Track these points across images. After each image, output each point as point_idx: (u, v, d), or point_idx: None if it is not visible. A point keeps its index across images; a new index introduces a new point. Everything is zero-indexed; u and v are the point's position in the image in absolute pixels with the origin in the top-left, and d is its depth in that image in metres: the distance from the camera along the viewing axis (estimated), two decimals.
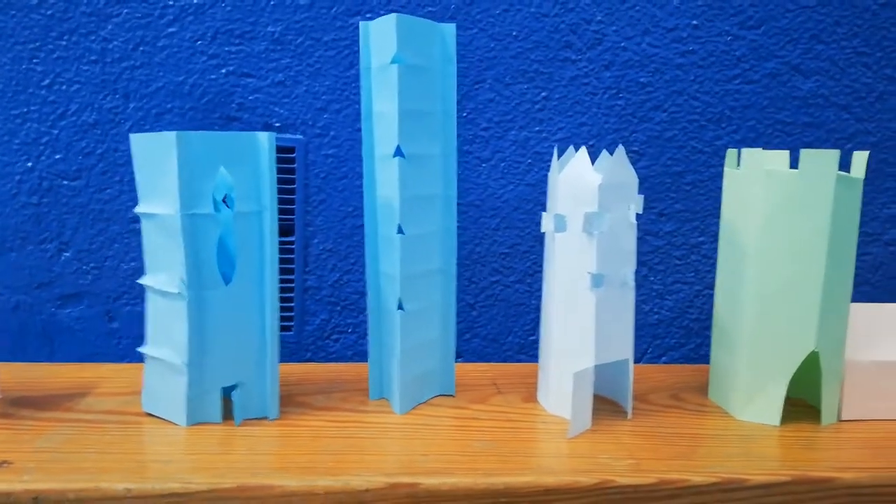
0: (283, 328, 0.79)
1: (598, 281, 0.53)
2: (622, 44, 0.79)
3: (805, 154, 0.53)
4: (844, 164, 0.73)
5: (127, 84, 0.76)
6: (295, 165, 0.77)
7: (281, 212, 0.77)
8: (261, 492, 0.44)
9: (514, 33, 0.78)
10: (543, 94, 0.79)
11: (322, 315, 0.81)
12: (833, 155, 0.53)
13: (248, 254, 0.52)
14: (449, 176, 0.57)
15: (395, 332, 0.55)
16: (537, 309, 0.82)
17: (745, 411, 0.57)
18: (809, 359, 0.56)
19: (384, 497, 0.44)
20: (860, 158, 0.56)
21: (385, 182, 0.54)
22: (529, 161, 0.81)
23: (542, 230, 0.55)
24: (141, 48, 0.75)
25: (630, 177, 0.53)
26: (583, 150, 0.53)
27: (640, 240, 0.83)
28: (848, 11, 0.80)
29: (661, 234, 0.83)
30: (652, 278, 0.84)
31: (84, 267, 0.77)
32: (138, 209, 0.53)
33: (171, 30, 0.75)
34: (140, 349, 0.55)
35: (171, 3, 0.75)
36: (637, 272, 0.87)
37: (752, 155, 0.56)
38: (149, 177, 0.51)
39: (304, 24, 0.76)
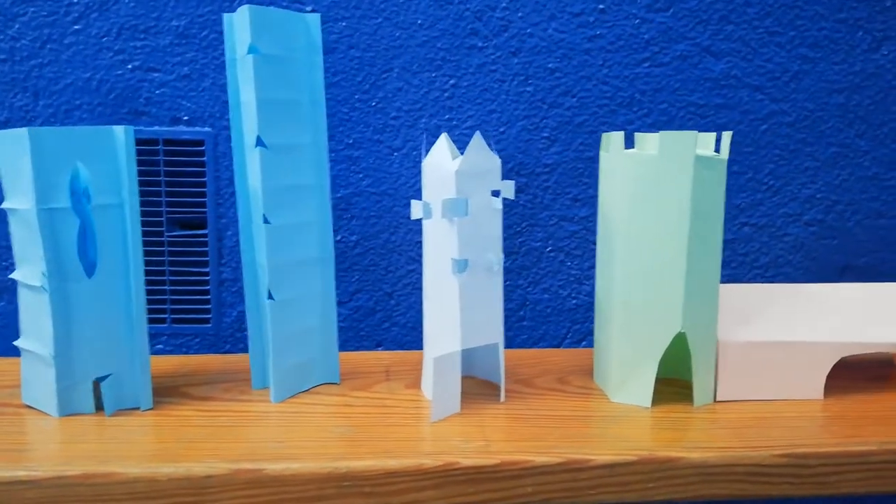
0: (200, 321, 0.80)
1: (460, 266, 0.53)
2: (528, 30, 0.79)
3: (663, 136, 0.53)
4: (746, 144, 0.70)
5: (36, 82, 0.77)
6: (205, 158, 0.78)
7: (192, 205, 0.78)
8: (104, 479, 0.45)
9: (420, 21, 0.78)
10: (452, 81, 0.79)
11: (239, 307, 0.82)
12: (691, 136, 0.53)
13: (111, 246, 0.52)
14: (320, 165, 0.57)
15: (266, 322, 0.55)
16: None
17: (619, 393, 0.58)
18: (684, 340, 0.56)
19: (227, 483, 0.45)
20: (711, 138, 0.56)
21: (252, 172, 0.55)
22: None
23: (412, 218, 0.56)
24: (48, 46, 0.76)
25: (491, 162, 0.54)
26: (442, 137, 0.54)
27: (556, 225, 0.83)
28: None
29: (577, 219, 0.83)
30: (569, 263, 0.84)
31: None
32: (4, 205, 0.54)
33: (76, 27, 0.76)
34: (16, 343, 0.56)
35: (75, 0, 0.75)
36: (554, 258, 0.88)
37: (613, 138, 0.56)
38: (10, 173, 0.52)
39: (207, 17, 0.77)
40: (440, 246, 0.54)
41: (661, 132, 0.53)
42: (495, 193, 0.56)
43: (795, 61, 0.82)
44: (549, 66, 0.80)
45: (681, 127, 0.82)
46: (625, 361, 0.57)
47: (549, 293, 0.84)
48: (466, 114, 0.81)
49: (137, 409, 0.56)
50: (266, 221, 0.54)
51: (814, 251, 0.86)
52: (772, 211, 0.84)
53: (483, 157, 0.53)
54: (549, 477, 0.47)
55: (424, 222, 0.55)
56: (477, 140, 0.53)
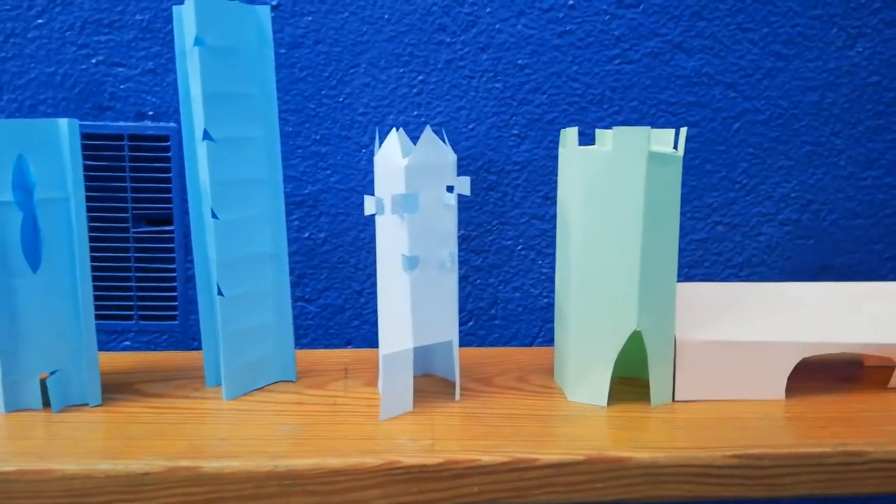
0: (167, 318, 0.80)
1: (411, 263, 0.52)
2: (497, 25, 0.78)
3: (616, 132, 0.52)
4: (719, 143, 0.69)
5: None
6: (170, 154, 0.77)
7: (158, 200, 0.77)
8: (40, 476, 0.44)
9: (387, 16, 0.77)
10: (420, 77, 0.79)
11: None
12: (644, 132, 0.52)
13: (56, 241, 0.52)
14: (273, 159, 0.57)
15: (216, 319, 0.55)
16: None
17: (576, 392, 0.57)
18: (641, 339, 0.55)
19: (164, 480, 0.44)
20: (670, 135, 0.55)
21: (200, 166, 0.54)
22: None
23: (365, 214, 0.55)
24: (12, 40, 0.76)
25: (443, 157, 0.53)
26: (393, 133, 0.53)
27: (527, 223, 0.82)
28: None
29: (548, 217, 0.82)
30: (540, 262, 0.83)
31: None
32: None
33: (39, 21, 0.75)
34: None
35: None
36: (525, 256, 0.87)
37: (569, 134, 0.56)
38: None
39: (171, 11, 0.76)
40: (392, 242, 0.53)
41: (615, 128, 0.53)
42: (451, 189, 0.55)
43: (769, 58, 0.81)
44: (519, 62, 0.80)
45: (651, 125, 0.81)
46: (581, 360, 0.56)
47: (521, 292, 0.83)
48: (435, 110, 0.80)
49: (86, 405, 0.55)
50: (214, 216, 0.53)
51: (789, 251, 0.85)
52: (746, 210, 0.83)
53: (434, 151, 0.52)
54: (495, 476, 0.46)
55: (377, 218, 0.54)
56: (427, 135, 0.52)
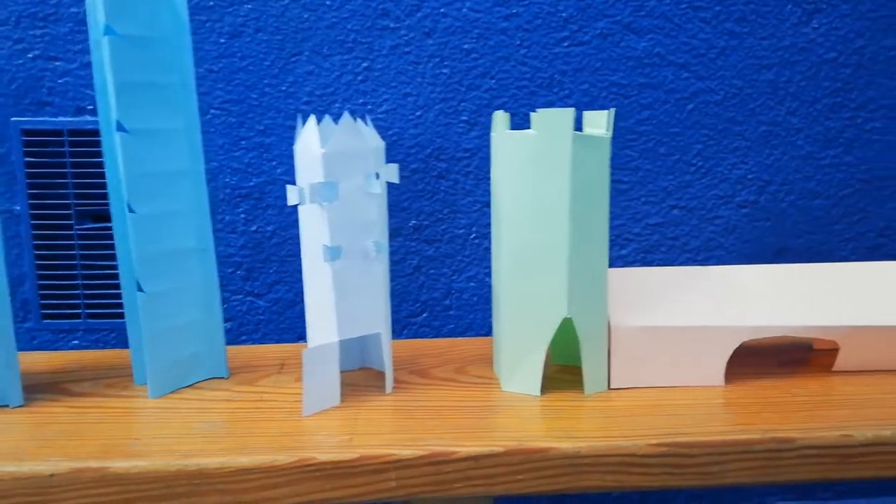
0: (115, 315, 0.78)
1: (332, 253, 0.51)
2: (441, 10, 0.76)
3: (540, 114, 0.51)
4: (673, 125, 0.67)
5: None
6: None
7: (101, 196, 0.76)
8: None
9: (328, 3, 0.76)
10: (365, 64, 0.77)
11: None
12: (567, 113, 0.50)
13: None
14: (195, 151, 0.55)
15: (138, 315, 0.53)
16: None
17: (510, 382, 0.56)
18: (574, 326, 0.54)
19: (71, 482, 0.43)
20: (603, 117, 0.53)
21: (117, 159, 0.53)
22: None
23: (289, 204, 0.53)
24: None
25: (363, 145, 0.51)
26: (311, 120, 0.51)
27: (479, 212, 0.81)
28: None
29: None
30: None
31: None
32: None
33: None
34: None
35: None
36: (478, 245, 0.86)
37: (499, 117, 0.54)
38: None
39: None
40: (314, 233, 0.52)
41: (538, 110, 0.51)
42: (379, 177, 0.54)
43: (722, 37, 0.79)
44: (465, 47, 0.78)
45: (602, 108, 0.80)
46: (514, 349, 0.55)
47: (475, 281, 0.82)
48: (382, 97, 0.79)
49: (7, 406, 0.54)
50: (131, 210, 0.52)
51: (747, 233, 0.83)
52: (702, 193, 0.82)
53: (354, 138, 0.51)
54: (413, 470, 0.45)
55: (300, 208, 0.53)
56: (346, 121, 0.50)
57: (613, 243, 0.82)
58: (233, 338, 0.82)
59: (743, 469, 0.46)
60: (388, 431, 0.48)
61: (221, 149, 0.78)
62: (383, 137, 0.79)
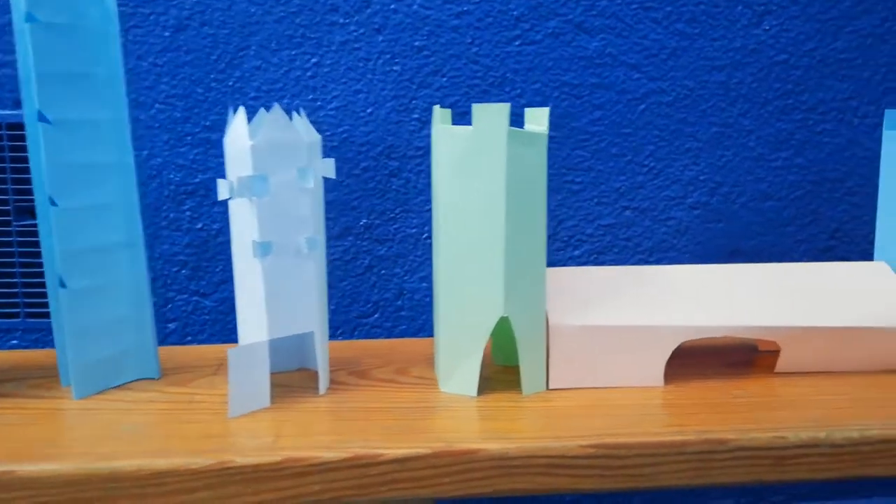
0: (43, 315, 0.76)
1: (262, 249, 0.50)
2: (392, 6, 0.75)
3: (476, 109, 0.50)
4: (624, 125, 0.67)
5: None
6: None
7: (24, 192, 0.74)
8: None
9: None
10: (314, 60, 0.76)
11: None
12: (503, 109, 0.49)
13: None
14: (122, 143, 0.54)
15: (61, 313, 0.52)
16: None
17: (448, 382, 0.54)
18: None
19: None
20: (544, 114, 0.53)
21: (39, 150, 0.51)
22: None
23: (219, 199, 0.52)
24: None
25: (295, 138, 0.50)
26: (240, 112, 0.50)
27: (431, 211, 0.80)
28: None
29: None
30: None
31: None
32: None
33: None
34: None
35: None
36: (430, 244, 0.85)
37: (438, 112, 0.53)
38: None
39: None
40: (244, 228, 0.50)
41: (475, 105, 0.50)
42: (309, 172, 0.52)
43: (673, 37, 0.79)
44: (416, 44, 0.77)
45: (555, 107, 0.79)
46: (452, 349, 0.54)
47: (428, 281, 0.81)
48: (331, 94, 0.77)
49: None
50: (53, 203, 0.50)
51: (700, 235, 0.83)
52: (653, 194, 0.82)
53: (285, 131, 0.50)
54: (337, 473, 0.44)
55: (229, 203, 0.51)
56: (276, 112, 0.49)
57: (566, 244, 0.82)
58: (178, 338, 0.80)
59: (676, 471, 0.46)
60: (314, 434, 0.47)
61: (166, 144, 0.76)
62: (333, 134, 0.78)
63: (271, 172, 0.49)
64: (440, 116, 0.54)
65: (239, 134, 0.49)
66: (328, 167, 0.54)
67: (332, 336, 0.81)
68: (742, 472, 0.47)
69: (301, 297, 0.52)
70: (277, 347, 0.58)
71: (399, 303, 0.81)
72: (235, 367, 0.49)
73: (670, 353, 0.55)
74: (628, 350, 0.54)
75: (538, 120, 0.55)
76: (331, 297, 0.80)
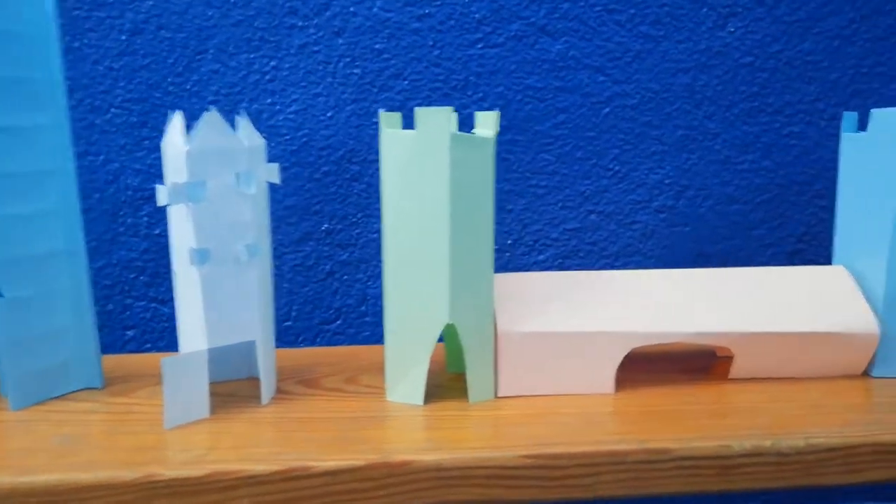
0: None
1: (199, 257, 0.49)
2: (352, 8, 0.75)
3: (418, 112, 0.49)
4: (588, 129, 0.66)
5: None
6: None
7: None
8: None
9: (233, 0, 0.74)
10: (273, 63, 0.75)
11: None
12: (446, 112, 0.48)
13: None
14: (63, 149, 0.53)
15: None
16: (284, 292, 0.78)
17: (394, 391, 0.54)
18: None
19: None
20: (490, 117, 0.52)
21: None
22: (264, 135, 0.76)
23: (158, 204, 0.51)
24: None
25: (234, 142, 0.49)
26: (177, 115, 0.49)
27: None
28: None
29: None
30: None
31: None
32: None
33: None
34: None
35: None
36: None
37: (385, 116, 0.52)
38: None
39: None
40: (182, 235, 0.49)
41: (418, 108, 0.49)
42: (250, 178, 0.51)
43: (637, 40, 0.78)
44: (377, 47, 0.76)
45: (518, 111, 0.79)
46: (399, 357, 0.53)
47: None
48: (290, 97, 0.77)
49: None
50: None
51: (666, 238, 0.83)
52: (619, 198, 0.81)
53: (222, 135, 0.49)
54: (266, 487, 0.43)
55: (168, 209, 0.50)
56: (212, 117, 0.48)
57: (531, 249, 0.81)
58: (137, 346, 0.79)
59: (616, 481, 0.45)
60: (248, 445, 0.45)
61: (123, 149, 0.75)
62: (293, 138, 0.77)
63: (208, 178, 0.48)
64: (386, 120, 0.53)
65: (175, 138, 0.48)
66: (272, 172, 0.53)
67: (294, 343, 0.80)
68: (685, 481, 0.46)
69: (241, 306, 0.51)
70: (224, 356, 0.57)
71: (362, 308, 0.80)
72: (170, 378, 0.48)
73: (620, 359, 0.54)
74: (577, 357, 0.53)
75: (487, 123, 0.54)
76: (292, 304, 0.79)
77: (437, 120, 0.48)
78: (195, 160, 0.48)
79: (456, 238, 0.50)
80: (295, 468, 0.43)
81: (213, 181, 0.48)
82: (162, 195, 0.50)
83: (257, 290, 0.51)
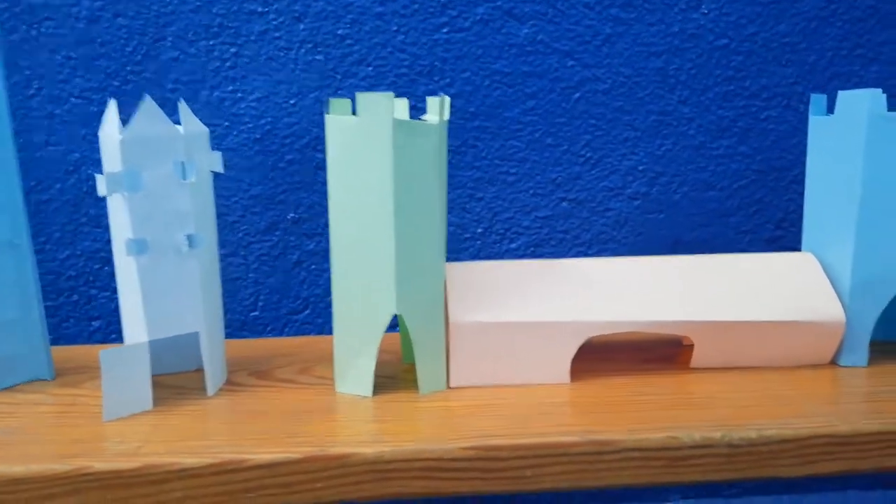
0: None
1: (136, 247, 0.48)
2: None
3: (359, 98, 0.48)
4: (559, 115, 0.65)
5: None
6: None
7: None
8: None
9: None
10: (233, 50, 0.73)
11: None
12: (388, 97, 0.47)
13: None
14: (3, 139, 0.52)
15: None
16: (251, 282, 0.77)
17: (344, 382, 0.53)
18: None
19: None
20: (441, 103, 0.50)
21: None
22: (227, 124, 0.75)
23: (99, 195, 0.50)
24: None
25: (171, 130, 0.48)
26: (112, 104, 0.48)
27: None
28: None
29: None
30: None
31: None
32: None
33: None
34: None
35: None
36: None
37: (333, 102, 0.51)
38: None
39: None
40: (120, 225, 0.48)
41: (359, 93, 0.48)
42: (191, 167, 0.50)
43: (607, 23, 0.77)
44: (339, 32, 0.75)
45: (486, 97, 0.77)
46: (347, 348, 0.52)
47: None
48: (252, 84, 0.75)
49: None
50: None
51: (640, 226, 0.81)
52: (591, 185, 0.79)
53: (158, 123, 0.47)
54: (200, 480, 0.42)
55: (108, 200, 0.49)
56: (147, 105, 0.47)
57: (502, 237, 0.79)
58: (103, 337, 0.78)
59: (559, 473, 0.44)
60: (185, 438, 0.45)
61: (83, 140, 0.74)
62: (255, 126, 0.76)
63: (145, 167, 0.47)
64: (333, 106, 0.52)
65: (109, 128, 0.47)
66: (215, 161, 0.52)
67: (262, 333, 0.79)
68: (632, 473, 0.45)
69: (183, 297, 0.50)
70: (173, 348, 0.56)
71: (330, 298, 0.79)
72: (109, 370, 0.47)
73: (575, 349, 0.53)
74: (531, 347, 0.52)
75: (437, 109, 0.53)
76: (259, 294, 0.78)
77: (379, 105, 0.47)
78: (129, 149, 0.46)
79: (401, 227, 0.49)
80: (229, 461, 0.42)
81: (150, 171, 0.47)
82: (101, 185, 0.49)
83: (200, 281, 0.50)
